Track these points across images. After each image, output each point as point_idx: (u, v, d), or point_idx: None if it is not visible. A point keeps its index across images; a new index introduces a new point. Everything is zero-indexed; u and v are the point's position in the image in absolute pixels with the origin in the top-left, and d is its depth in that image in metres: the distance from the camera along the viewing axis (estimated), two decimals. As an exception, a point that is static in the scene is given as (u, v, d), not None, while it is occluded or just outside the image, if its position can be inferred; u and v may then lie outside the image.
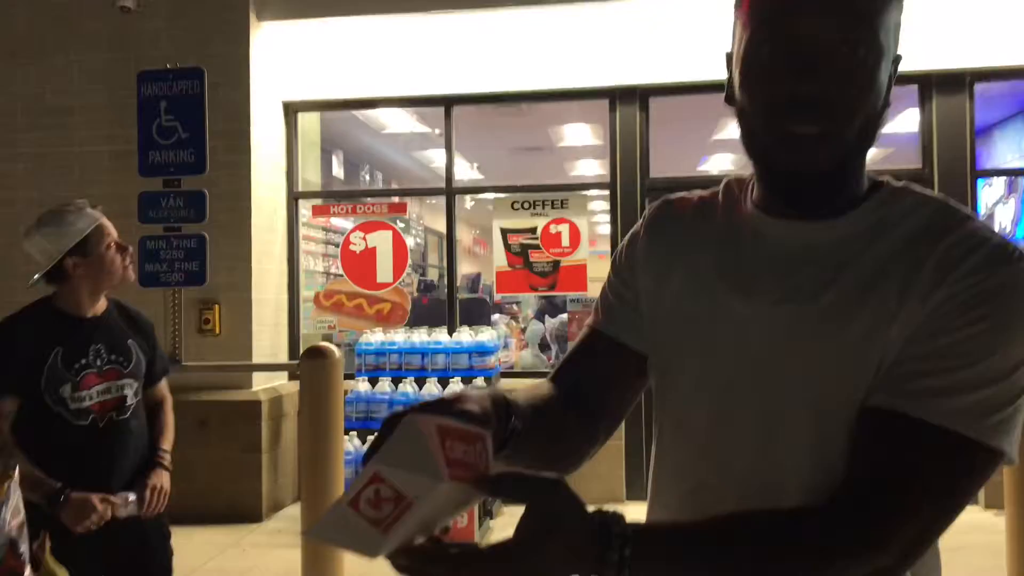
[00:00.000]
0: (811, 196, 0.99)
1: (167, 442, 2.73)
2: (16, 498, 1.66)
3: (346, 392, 5.37)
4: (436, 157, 9.04)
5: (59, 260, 2.48)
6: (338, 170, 8.97)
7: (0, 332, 2.48)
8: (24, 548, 1.67)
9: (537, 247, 6.16)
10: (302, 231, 6.52)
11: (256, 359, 5.74)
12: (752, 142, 1.00)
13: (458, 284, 6.63)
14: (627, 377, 1.17)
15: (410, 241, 7.91)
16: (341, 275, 6.37)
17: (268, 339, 6.00)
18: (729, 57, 1.03)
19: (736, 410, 1.00)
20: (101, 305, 2.62)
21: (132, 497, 2.54)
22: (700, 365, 1.04)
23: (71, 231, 2.49)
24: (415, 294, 8.45)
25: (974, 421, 0.86)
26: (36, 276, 2.55)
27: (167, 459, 2.70)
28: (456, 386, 5.47)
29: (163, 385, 2.82)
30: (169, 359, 3.09)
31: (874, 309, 0.92)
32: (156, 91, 4.60)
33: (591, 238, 6.54)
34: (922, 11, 5.60)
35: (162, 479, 2.63)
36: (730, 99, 1.03)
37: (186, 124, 4.51)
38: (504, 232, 6.23)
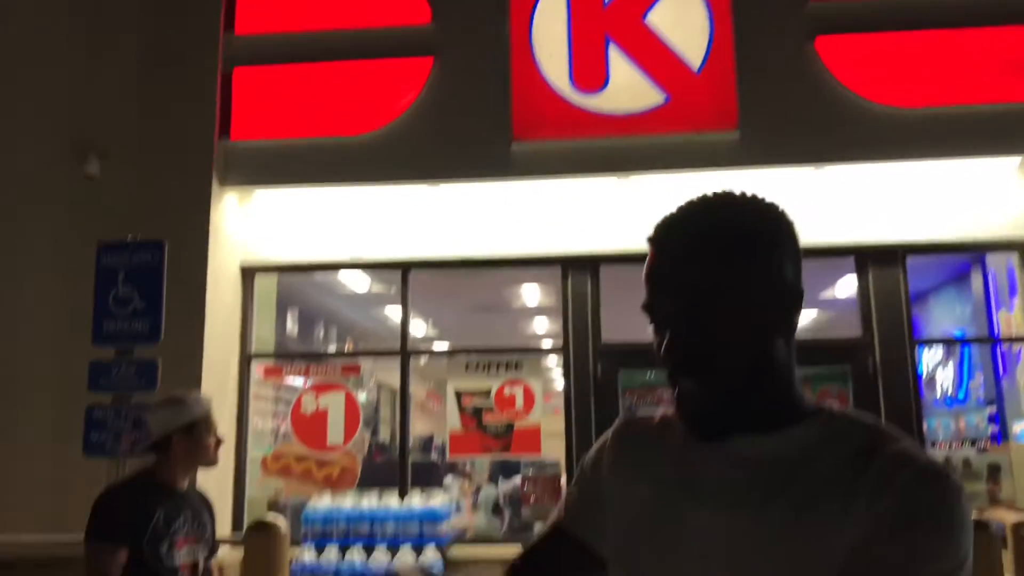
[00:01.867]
0: (719, 420, 1.08)
1: None
2: None
3: (291, 560, 5.18)
4: (392, 314, 9.09)
5: (168, 434, 2.90)
6: (292, 327, 8.96)
7: (119, 494, 2.89)
8: None
9: (491, 409, 6.16)
10: (253, 389, 6.44)
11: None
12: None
13: (410, 446, 6.56)
14: None
15: (363, 396, 7.82)
16: (290, 434, 6.27)
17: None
18: None
19: None
20: (187, 482, 3.03)
21: None
22: (663, 570, 1.08)
23: (185, 413, 2.93)
24: (367, 452, 8.29)
25: None
26: (144, 443, 3.04)
27: None
28: (406, 554, 5.32)
29: (218, 557, 3.20)
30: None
31: (821, 521, 0.99)
32: (114, 262, 4.54)
33: (546, 394, 6.56)
34: (855, 189, 6.00)
35: None
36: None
37: (143, 295, 4.45)
38: (458, 394, 6.24)
